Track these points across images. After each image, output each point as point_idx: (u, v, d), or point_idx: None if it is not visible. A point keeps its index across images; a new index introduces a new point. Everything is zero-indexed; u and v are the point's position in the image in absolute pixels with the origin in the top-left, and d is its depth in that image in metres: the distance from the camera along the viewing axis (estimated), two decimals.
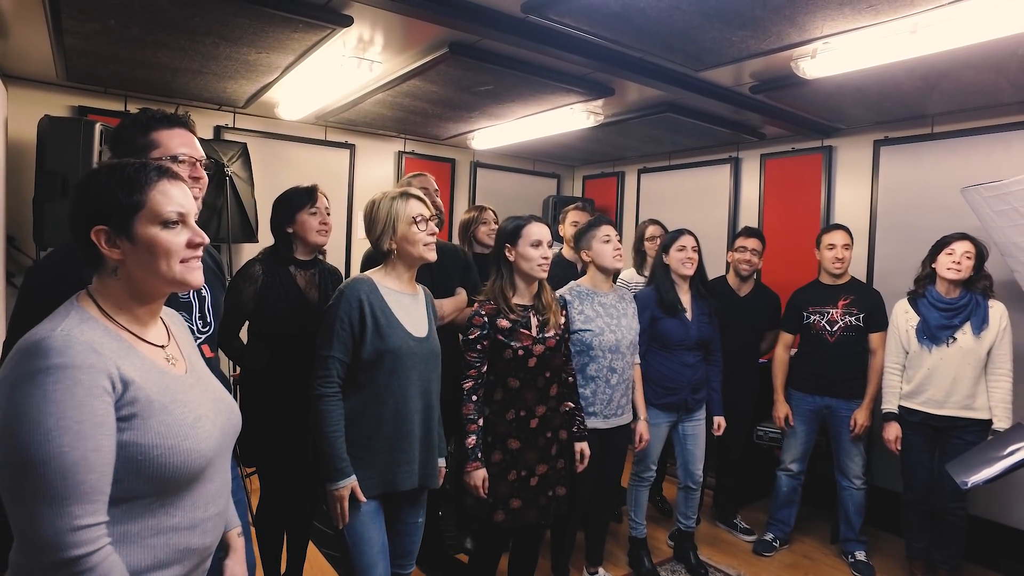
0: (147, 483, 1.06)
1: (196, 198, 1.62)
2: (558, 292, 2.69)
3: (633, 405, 2.87)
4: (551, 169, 6.05)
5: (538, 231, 2.30)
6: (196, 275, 1.16)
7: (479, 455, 2.21)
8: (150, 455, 1.04)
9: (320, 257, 2.64)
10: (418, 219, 2.00)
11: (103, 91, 3.85)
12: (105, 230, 1.09)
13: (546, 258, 2.29)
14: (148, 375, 1.10)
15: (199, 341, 1.68)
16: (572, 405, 2.47)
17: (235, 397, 2.57)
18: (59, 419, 0.95)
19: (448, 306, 2.70)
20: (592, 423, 2.66)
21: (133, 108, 4.01)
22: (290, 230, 2.51)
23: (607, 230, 2.73)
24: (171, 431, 1.08)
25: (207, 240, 1.19)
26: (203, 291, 1.74)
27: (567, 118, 3.96)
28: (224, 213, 3.94)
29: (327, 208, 2.58)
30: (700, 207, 4.98)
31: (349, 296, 1.94)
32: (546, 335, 2.31)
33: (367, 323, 1.92)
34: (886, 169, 3.94)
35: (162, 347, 1.20)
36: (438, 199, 2.84)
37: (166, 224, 1.11)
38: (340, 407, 1.92)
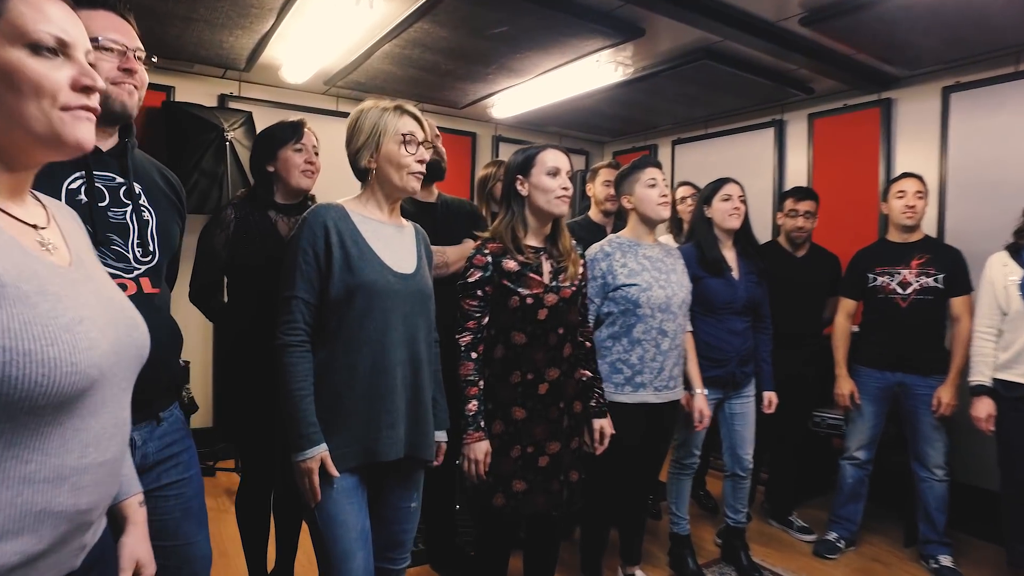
0: None
1: (130, 94, 1.35)
2: (595, 246, 2.32)
3: (685, 378, 2.46)
4: (579, 146, 5.67)
5: (555, 158, 1.93)
6: (83, 131, 0.84)
7: (481, 423, 1.84)
8: None
9: (309, 203, 2.32)
10: (408, 138, 1.65)
11: None
12: None
13: (566, 189, 1.91)
14: (2, 251, 0.77)
15: (137, 273, 1.37)
16: (589, 374, 2.09)
17: (215, 366, 2.28)
18: None
19: (453, 254, 2.33)
20: (640, 396, 2.26)
21: None
22: (271, 168, 2.20)
23: (653, 172, 2.33)
24: (29, 329, 0.74)
25: (102, 85, 0.86)
26: (145, 213, 1.42)
27: (593, 72, 3.59)
28: (225, 181, 3.73)
29: (315, 147, 2.26)
30: (741, 178, 4.34)
31: (312, 223, 1.60)
32: (561, 284, 1.93)
33: (334, 253, 1.57)
34: (958, 119, 3.44)
35: (34, 227, 0.87)
36: (439, 144, 2.49)
37: (36, 49, 0.80)
38: (307, 360, 1.58)
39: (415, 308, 1.66)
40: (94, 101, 0.86)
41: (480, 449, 1.83)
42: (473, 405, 1.84)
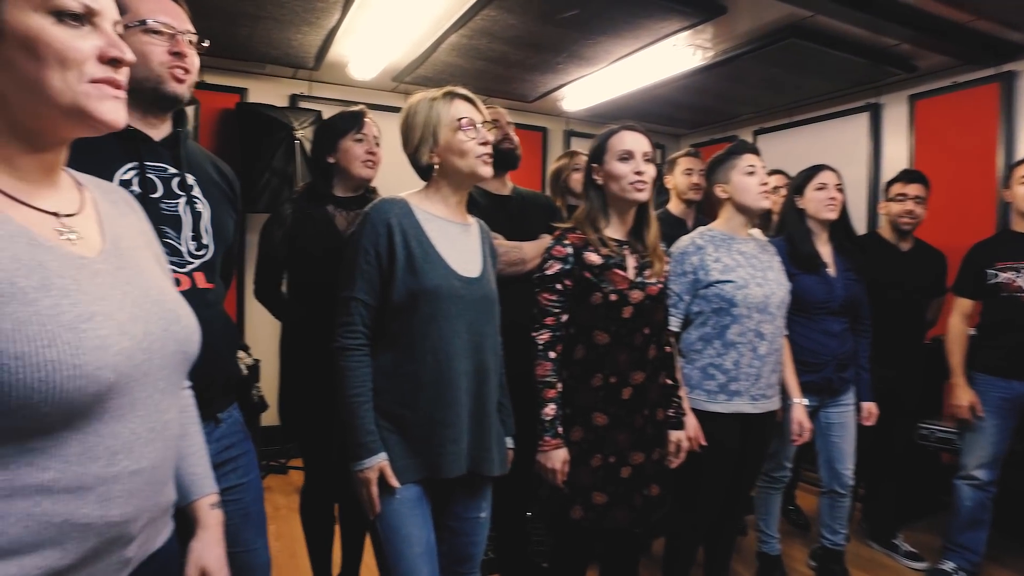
0: None
1: (180, 80, 1.28)
2: (685, 239, 2.13)
3: (781, 386, 2.24)
4: (655, 140, 5.42)
5: (630, 140, 1.76)
6: (111, 108, 0.76)
7: (558, 429, 1.69)
8: None
9: (369, 196, 2.24)
10: (464, 122, 1.52)
11: None
12: None
13: (640, 173, 1.73)
14: (3, 244, 0.69)
15: (191, 267, 1.30)
16: (670, 381, 1.90)
17: (281, 365, 2.22)
18: None
19: (531, 250, 2.15)
20: (735, 405, 2.05)
21: (209, 79, 3.96)
22: (331, 160, 2.13)
23: (751, 159, 2.12)
24: (24, 328, 0.67)
25: (130, 58, 0.77)
26: (198, 204, 1.35)
27: (669, 57, 3.38)
28: (295, 180, 3.74)
29: (376, 138, 2.18)
30: None
31: (375, 221, 1.49)
32: (647, 280, 1.76)
33: (397, 254, 1.47)
34: None
35: (54, 214, 0.78)
36: (512, 133, 2.35)
37: (60, 15, 0.72)
38: (365, 364, 1.48)
39: (481, 315, 1.54)
40: (122, 75, 0.77)
41: (558, 457, 1.68)
42: (550, 409, 1.69)
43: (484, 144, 1.54)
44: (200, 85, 3.81)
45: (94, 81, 0.74)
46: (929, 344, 2.90)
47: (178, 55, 1.26)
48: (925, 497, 3.27)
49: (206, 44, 1.35)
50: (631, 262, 1.78)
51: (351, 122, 2.14)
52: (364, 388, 1.46)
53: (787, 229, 2.45)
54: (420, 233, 1.51)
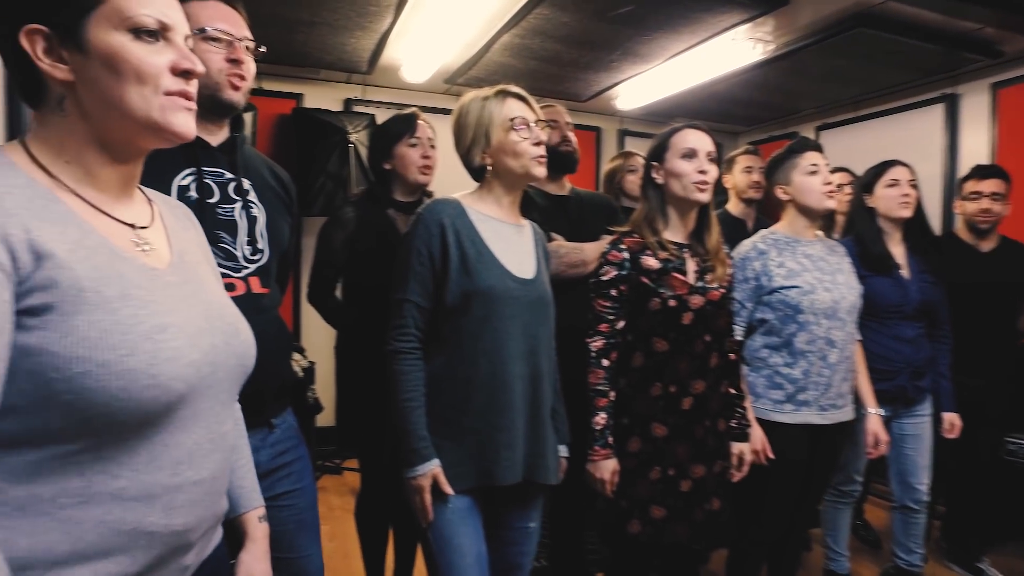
0: (66, 419, 0.69)
1: (237, 87, 1.29)
2: (747, 243, 2.04)
3: (855, 395, 2.12)
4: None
5: (690, 138, 1.69)
6: (183, 120, 0.80)
7: (609, 439, 1.63)
8: (68, 372, 0.67)
9: (427, 200, 2.23)
10: (517, 121, 1.48)
11: None
12: (44, 32, 0.74)
13: (704, 173, 1.66)
14: (88, 253, 0.73)
15: (246, 272, 1.31)
16: (733, 390, 1.82)
17: (336, 369, 2.23)
18: None
19: (592, 251, 2.06)
20: (803, 415, 1.94)
21: (266, 85, 4.05)
22: (388, 166, 2.13)
23: (813, 157, 2.01)
24: (108, 338, 0.70)
25: (201, 69, 0.80)
26: (254, 209, 1.35)
27: (727, 52, 3.27)
28: (349, 183, 3.78)
29: (431, 140, 2.16)
30: None
31: (428, 221, 1.47)
32: (708, 285, 1.69)
33: (451, 255, 1.44)
34: None
35: (131, 225, 0.81)
36: (570, 132, 2.29)
37: (138, 33, 0.76)
38: (418, 368, 1.46)
39: (536, 317, 1.50)
40: (193, 87, 0.80)
41: (607, 468, 1.63)
42: (601, 418, 1.64)
43: (538, 144, 1.51)
44: (258, 91, 3.92)
45: (168, 94, 0.77)
46: (1021, 350, 2.70)
47: (235, 62, 1.27)
48: (1016, 518, 3.04)
49: (263, 50, 1.36)
50: (691, 266, 1.70)
51: (404, 126, 2.13)
52: (416, 392, 1.45)
53: (856, 229, 2.33)
54: (474, 233, 1.48)
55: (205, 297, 0.86)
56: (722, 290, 1.72)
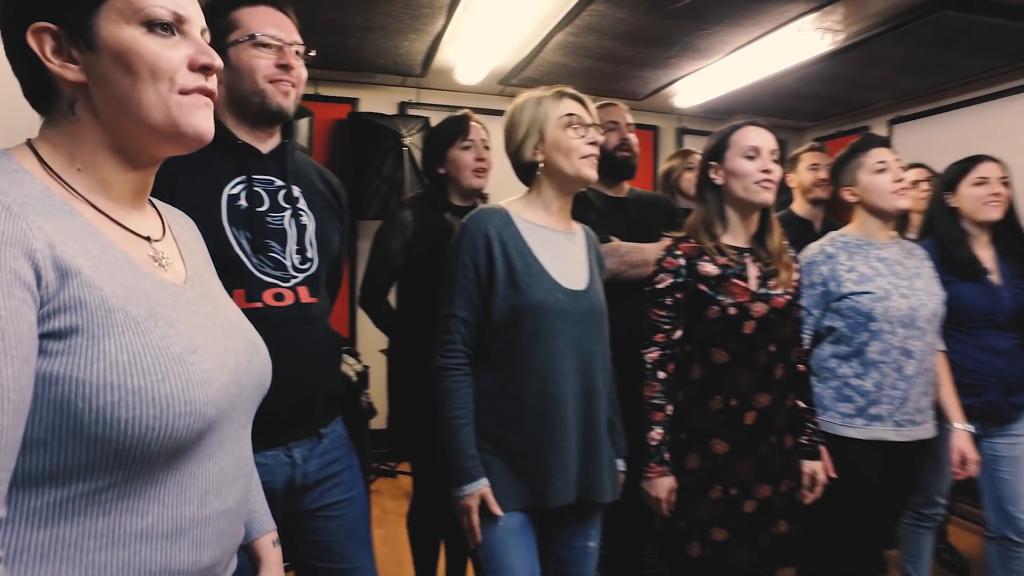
0: (94, 453, 0.62)
1: (286, 95, 1.28)
2: (814, 247, 1.92)
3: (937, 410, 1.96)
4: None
5: (753, 135, 1.59)
6: (201, 120, 0.74)
7: (665, 456, 1.55)
8: (98, 402, 0.61)
9: (481, 203, 2.19)
10: (574, 119, 1.43)
11: None
12: (52, 30, 0.69)
13: (768, 172, 1.56)
14: (111, 269, 0.66)
15: (295, 281, 1.29)
16: (802, 404, 1.70)
17: (388, 375, 2.22)
18: None
19: (653, 251, 1.95)
20: (875, 431, 1.80)
21: (323, 91, 4.11)
22: (441, 170, 2.09)
23: (881, 154, 1.87)
24: (140, 361, 0.64)
25: (219, 64, 0.75)
26: (303, 217, 1.34)
27: (793, 44, 3.10)
28: (403, 187, 3.79)
29: (484, 141, 2.12)
30: None
31: (473, 232, 1.44)
32: (771, 291, 1.58)
33: (497, 268, 1.40)
34: None
35: (147, 238, 0.76)
36: (631, 135, 2.21)
37: (151, 25, 0.71)
38: (466, 384, 1.43)
39: (588, 330, 1.44)
40: (212, 83, 0.74)
41: (663, 486, 1.55)
42: (657, 433, 1.56)
43: (592, 144, 1.45)
44: (314, 97, 3.98)
45: (185, 92, 0.72)
46: None
47: (284, 67, 1.26)
48: None
49: (312, 54, 1.35)
50: (753, 271, 1.60)
51: (456, 128, 2.09)
52: (465, 410, 1.41)
53: (936, 231, 2.16)
54: (521, 244, 1.43)
55: (224, 314, 0.81)
56: (787, 296, 1.61)
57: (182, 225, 0.91)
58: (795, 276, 1.65)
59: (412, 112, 4.16)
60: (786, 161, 3.05)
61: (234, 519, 0.77)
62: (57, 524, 0.62)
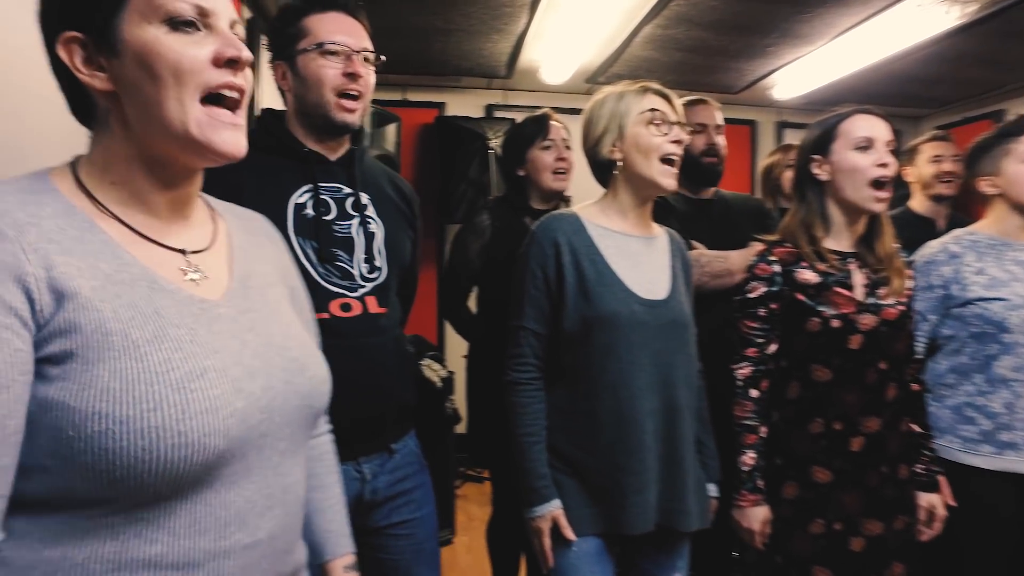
0: (89, 482, 0.61)
1: (352, 110, 1.27)
2: (934, 244, 1.72)
3: None
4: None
5: (869, 125, 1.42)
6: (228, 138, 0.70)
7: (759, 482, 1.41)
8: (86, 431, 0.59)
9: (563, 205, 2.12)
10: (657, 115, 1.32)
11: (382, 83, 3.92)
12: (79, 39, 0.67)
13: (885, 166, 1.39)
14: (120, 288, 0.64)
15: (363, 291, 1.27)
16: (918, 428, 1.50)
17: (467, 384, 2.19)
18: None
19: (738, 259, 1.82)
20: (1007, 461, 1.55)
21: (411, 96, 4.17)
22: (521, 172, 2.04)
23: None
24: (132, 389, 0.61)
25: (248, 56, 0.70)
26: (371, 225, 1.32)
27: (911, 21, 2.81)
28: (489, 190, 3.78)
29: (565, 141, 2.04)
30: None
31: (541, 240, 1.37)
32: (881, 301, 1.41)
33: (566, 277, 1.33)
34: None
35: (181, 251, 0.73)
36: (720, 138, 2.05)
37: (173, 23, 0.67)
38: (538, 400, 1.37)
39: (670, 343, 1.34)
40: (241, 79, 0.70)
41: (756, 516, 1.41)
42: (749, 458, 1.42)
43: (675, 143, 1.34)
44: (402, 103, 4.04)
45: (209, 93, 0.68)
46: None
47: (352, 76, 1.24)
48: None
49: (383, 59, 1.33)
50: (859, 279, 1.43)
51: (536, 127, 2.04)
52: (536, 427, 1.35)
53: None
54: (593, 251, 1.35)
55: (266, 329, 0.76)
56: (900, 307, 1.42)
57: (253, 230, 0.88)
58: (909, 284, 1.46)
59: (499, 115, 4.14)
60: (902, 153, 2.77)
61: (267, 552, 0.72)
62: (67, 544, 0.61)
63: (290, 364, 0.76)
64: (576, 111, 4.24)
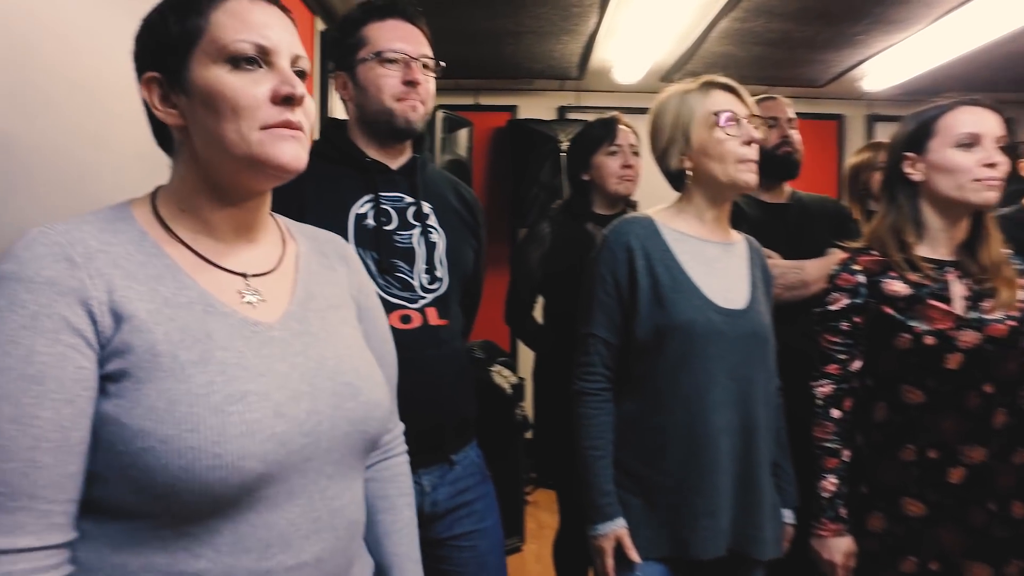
0: (137, 495, 0.65)
1: (412, 114, 1.25)
2: None
3: None
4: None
5: (974, 119, 1.28)
6: (287, 151, 0.71)
7: (841, 511, 1.30)
8: (132, 447, 0.63)
9: (631, 210, 2.05)
10: (724, 117, 1.24)
11: (454, 88, 3.98)
12: (157, 78, 0.73)
13: (993, 166, 1.25)
14: (175, 311, 0.69)
15: (423, 303, 1.27)
16: None
17: (534, 396, 2.15)
18: None
19: (815, 269, 1.71)
20: None
21: (483, 100, 4.17)
22: (586, 177, 2.00)
23: None
24: (175, 410, 0.64)
25: (301, 92, 0.72)
26: (433, 234, 1.31)
27: None
28: (561, 194, 3.73)
29: (633, 146, 1.98)
30: None
31: (613, 244, 1.31)
32: (985, 316, 1.27)
33: (640, 283, 1.26)
34: None
35: (242, 275, 0.76)
36: (794, 131, 1.94)
37: (235, 62, 0.70)
38: (606, 412, 1.31)
39: (748, 356, 1.26)
40: (298, 115, 0.72)
41: (837, 547, 1.30)
42: (830, 483, 1.31)
43: (749, 143, 1.26)
44: (474, 107, 4.05)
45: (267, 127, 0.70)
46: None
47: (411, 84, 1.24)
48: None
49: (443, 65, 1.33)
50: (958, 290, 1.29)
51: (603, 132, 1.99)
52: (603, 440, 1.30)
53: None
54: (668, 256, 1.28)
55: (319, 353, 0.77)
56: (1011, 323, 1.27)
57: (325, 251, 0.89)
58: (1020, 296, 1.31)
59: (571, 116, 4.09)
60: (1018, 144, 2.52)
61: (314, 575, 0.72)
62: (126, 552, 0.65)
63: (342, 388, 0.76)
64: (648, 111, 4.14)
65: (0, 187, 0.97)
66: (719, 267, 1.31)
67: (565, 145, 3.74)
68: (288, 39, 0.73)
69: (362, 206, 1.27)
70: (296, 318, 0.77)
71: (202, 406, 0.64)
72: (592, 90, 4.09)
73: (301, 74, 0.74)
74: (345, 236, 1.22)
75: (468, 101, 4.05)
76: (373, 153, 1.30)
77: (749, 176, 1.27)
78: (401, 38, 1.25)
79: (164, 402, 0.63)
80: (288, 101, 0.70)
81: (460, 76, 3.79)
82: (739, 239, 1.40)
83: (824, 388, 1.34)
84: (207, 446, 0.63)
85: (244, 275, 0.76)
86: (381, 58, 1.24)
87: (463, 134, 3.64)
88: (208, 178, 0.73)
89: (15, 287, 0.62)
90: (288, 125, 0.71)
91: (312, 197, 1.25)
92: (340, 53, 1.31)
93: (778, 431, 1.35)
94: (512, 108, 4.12)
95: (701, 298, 1.26)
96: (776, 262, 1.66)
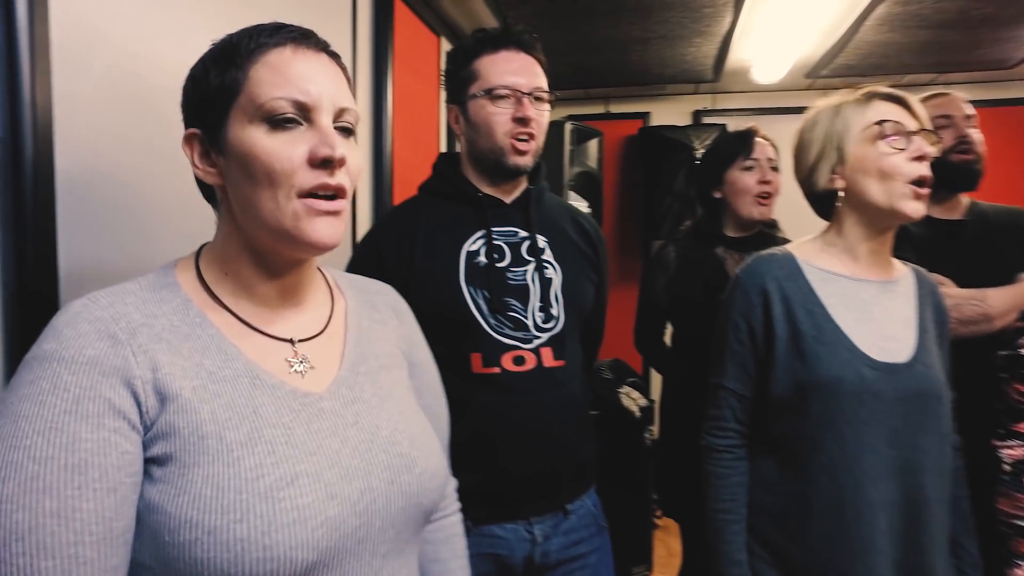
0: None
1: (523, 152, 1.22)
2: None
3: None
4: None
5: None
6: (320, 228, 0.66)
7: None
8: (179, 538, 0.59)
9: (769, 232, 1.87)
10: (888, 127, 1.06)
11: (584, 97, 3.90)
12: (198, 135, 0.69)
13: None
14: (221, 387, 0.65)
15: (537, 343, 1.23)
16: None
17: (660, 426, 2.03)
18: (11, 448, 0.56)
19: (999, 300, 1.43)
20: None
21: (613, 108, 4.04)
22: (718, 194, 1.84)
23: None
24: (222, 497, 0.59)
25: (343, 154, 0.66)
26: (548, 270, 1.26)
27: None
28: (696, 204, 3.53)
29: (771, 160, 1.80)
30: None
31: (747, 286, 1.17)
32: None
33: (777, 331, 1.12)
34: None
35: (289, 341, 0.72)
36: (972, 130, 1.64)
37: (273, 121, 0.65)
38: (738, 471, 1.18)
39: (913, 419, 1.06)
40: (338, 177, 0.66)
41: None
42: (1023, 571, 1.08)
43: (919, 159, 1.07)
44: (604, 115, 3.95)
45: (303, 195, 0.65)
46: None
47: (522, 120, 1.20)
48: None
49: (556, 95, 1.29)
50: None
51: (737, 145, 1.82)
52: (735, 503, 1.17)
53: None
54: (812, 300, 1.12)
55: (372, 421, 0.72)
56: None
57: (376, 304, 0.85)
58: None
59: (707, 120, 3.86)
60: None
61: None
62: None
63: (396, 461, 0.71)
64: (796, 110, 3.83)
65: (137, 232, 1.03)
66: (876, 311, 1.12)
67: (700, 152, 3.55)
68: (332, 91, 0.67)
69: (474, 243, 1.24)
70: (347, 384, 0.73)
71: (251, 492, 0.60)
72: (729, 91, 3.85)
73: (347, 130, 0.69)
74: (455, 275, 1.20)
75: (599, 110, 3.96)
76: (485, 187, 1.27)
77: (915, 205, 1.07)
78: (514, 71, 1.21)
79: (211, 488, 0.59)
80: (326, 164, 0.65)
81: (590, 85, 3.72)
82: (904, 273, 1.19)
83: (1015, 451, 1.12)
84: (256, 537, 0.58)
85: (291, 341, 0.72)
86: (492, 95, 1.20)
87: (593, 145, 3.55)
88: (248, 241, 0.70)
89: (57, 368, 0.58)
90: (325, 189, 0.65)
91: (423, 236, 1.23)
92: (452, 86, 1.29)
93: (957, 501, 1.14)
94: (644, 115, 3.96)
95: (851, 350, 1.08)
96: (950, 291, 1.41)
